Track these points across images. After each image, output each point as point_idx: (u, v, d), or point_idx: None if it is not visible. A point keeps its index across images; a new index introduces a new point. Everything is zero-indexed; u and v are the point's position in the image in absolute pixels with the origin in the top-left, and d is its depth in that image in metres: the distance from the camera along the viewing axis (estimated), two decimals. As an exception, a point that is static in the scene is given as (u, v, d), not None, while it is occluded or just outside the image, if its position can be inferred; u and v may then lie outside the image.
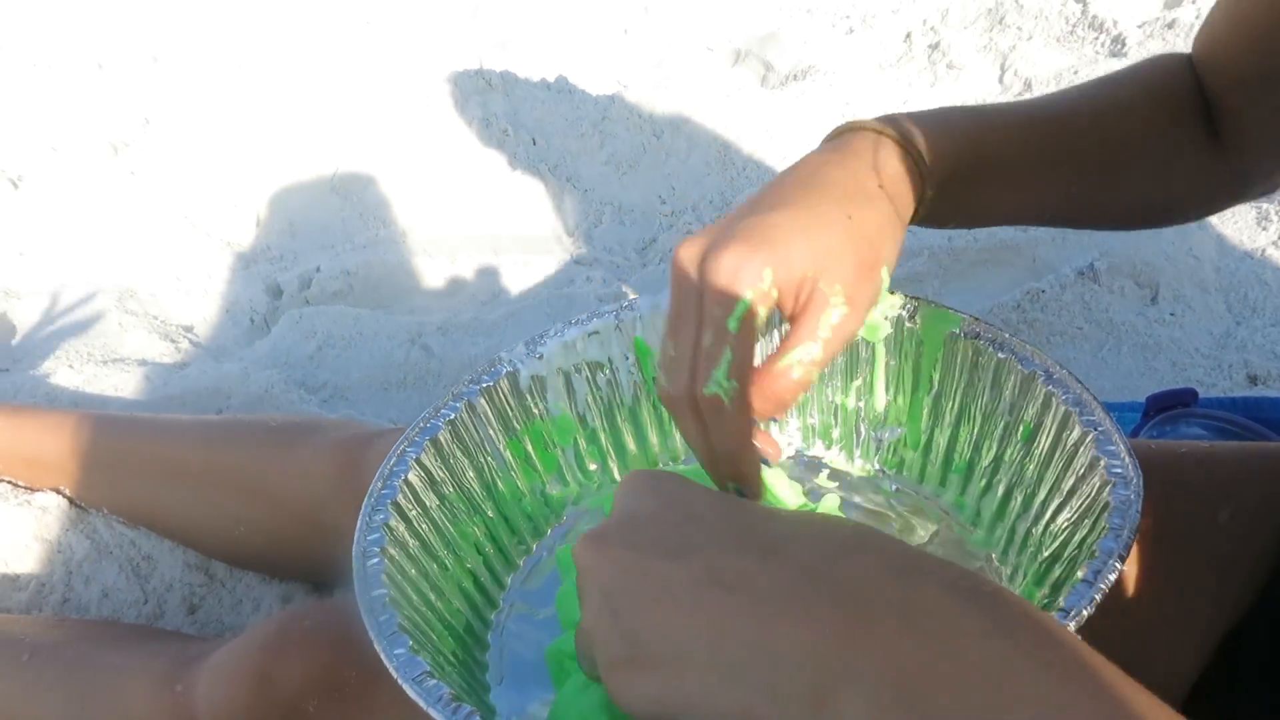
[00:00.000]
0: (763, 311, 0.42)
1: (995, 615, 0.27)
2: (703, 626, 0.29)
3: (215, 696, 0.53)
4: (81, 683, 0.60)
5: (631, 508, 0.34)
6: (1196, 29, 1.45)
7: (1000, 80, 1.45)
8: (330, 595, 0.76)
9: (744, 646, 0.28)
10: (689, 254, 0.43)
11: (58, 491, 0.80)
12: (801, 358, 0.43)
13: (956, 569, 0.29)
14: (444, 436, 0.51)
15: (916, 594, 0.28)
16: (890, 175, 0.48)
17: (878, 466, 0.58)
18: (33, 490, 0.81)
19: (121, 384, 0.99)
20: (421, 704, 0.37)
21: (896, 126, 0.49)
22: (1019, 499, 0.51)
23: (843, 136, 0.50)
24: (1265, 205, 1.05)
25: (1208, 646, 0.48)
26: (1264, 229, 1.02)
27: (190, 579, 0.77)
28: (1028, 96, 1.37)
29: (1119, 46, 1.46)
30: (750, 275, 0.41)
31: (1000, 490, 0.52)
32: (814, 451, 0.60)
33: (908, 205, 0.48)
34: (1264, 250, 1.01)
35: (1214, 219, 1.05)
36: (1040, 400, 0.50)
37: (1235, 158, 0.57)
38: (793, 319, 0.44)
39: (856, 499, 0.57)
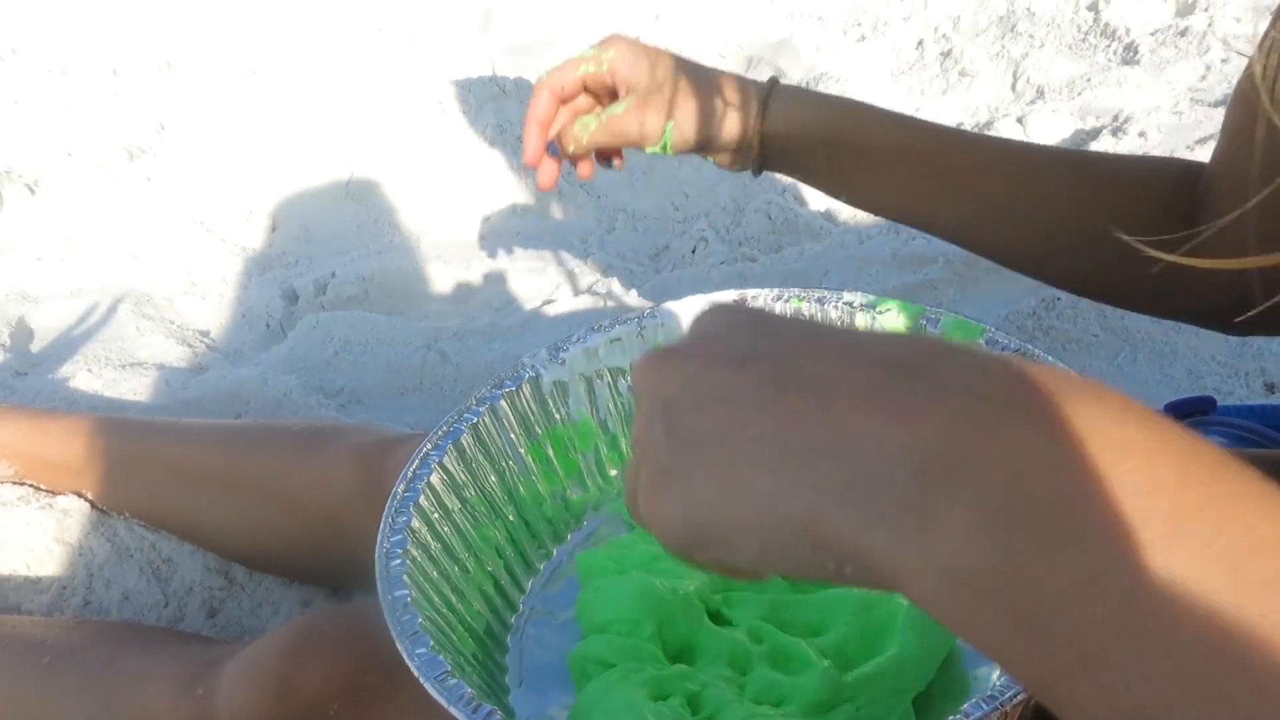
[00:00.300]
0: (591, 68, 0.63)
1: (1147, 428, 0.23)
2: (769, 425, 0.25)
3: (236, 700, 0.54)
4: (102, 686, 0.61)
5: (704, 328, 0.31)
6: (1208, 38, 1.44)
7: (1013, 88, 1.45)
8: (349, 599, 0.76)
9: (817, 446, 0.24)
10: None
11: (79, 495, 0.81)
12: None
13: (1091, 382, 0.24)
14: (467, 440, 0.51)
15: (1040, 395, 0.23)
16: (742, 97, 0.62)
17: None
18: (54, 493, 0.81)
19: (140, 388, 1.00)
20: (443, 703, 0.37)
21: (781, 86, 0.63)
22: None
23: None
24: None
25: None
26: (1280, 237, 1.02)
27: (210, 582, 0.77)
28: (1040, 104, 1.37)
29: (1131, 54, 1.46)
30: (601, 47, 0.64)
31: None
32: None
33: (741, 112, 0.62)
34: (1280, 258, 1.00)
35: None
36: None
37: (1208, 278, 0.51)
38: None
39: None
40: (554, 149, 0.66)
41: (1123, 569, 0.21)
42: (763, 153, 0.63)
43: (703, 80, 0.63)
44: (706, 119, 0.62)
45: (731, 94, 0.62)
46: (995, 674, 0.42)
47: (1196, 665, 0.20)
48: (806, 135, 0.62)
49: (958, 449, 0.23)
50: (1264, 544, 0.21)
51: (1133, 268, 0.51)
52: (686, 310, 0.59)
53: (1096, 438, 0.22)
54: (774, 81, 0.63)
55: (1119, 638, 0.21)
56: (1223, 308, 0.54)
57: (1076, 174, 0.59)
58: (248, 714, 0.53)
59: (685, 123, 0.62)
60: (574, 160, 0.69)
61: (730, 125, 0.62)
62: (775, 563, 0.26)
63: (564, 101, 0.66)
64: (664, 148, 0.63)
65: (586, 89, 0.66)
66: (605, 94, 0.66)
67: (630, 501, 0.31)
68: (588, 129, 0.63)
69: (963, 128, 1.35)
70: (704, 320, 0.31)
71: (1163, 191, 0.57)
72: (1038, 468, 0.22)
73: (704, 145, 0.64)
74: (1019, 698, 0.36)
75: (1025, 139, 1.31)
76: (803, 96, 0.63)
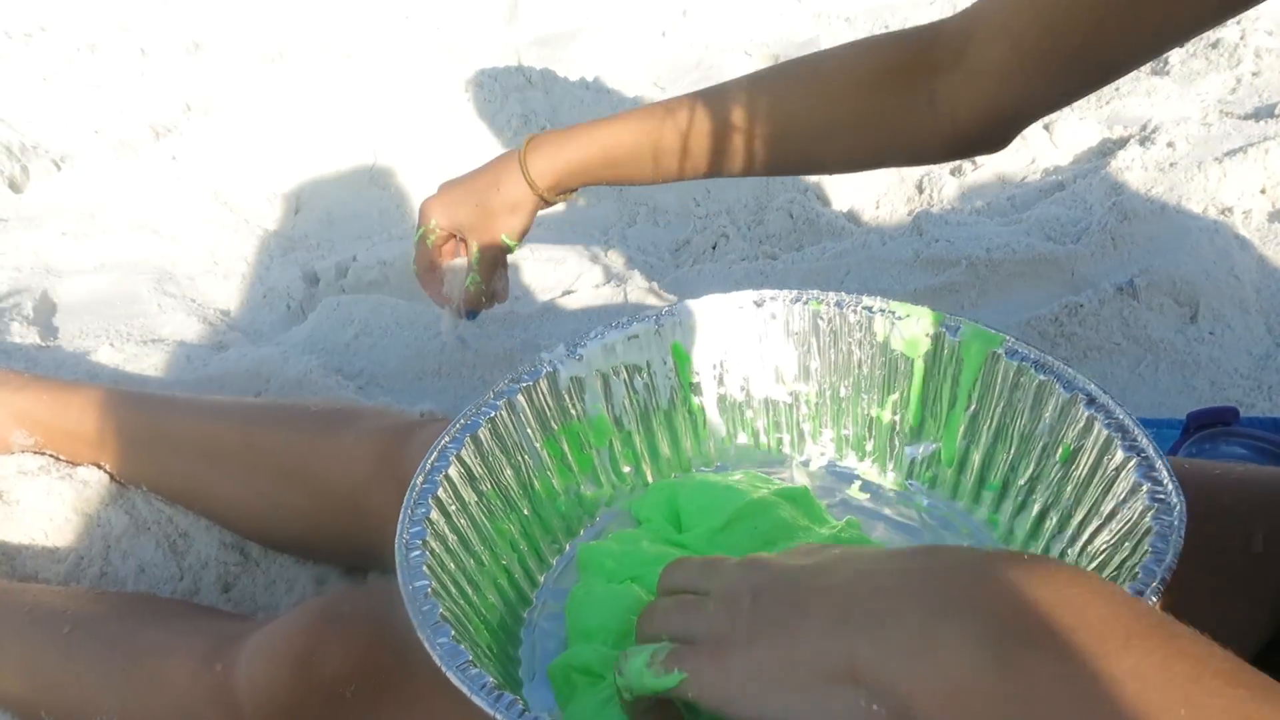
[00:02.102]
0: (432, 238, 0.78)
1: (1095, 586, 0.30)
2: (828, 594, 0.34)
3: (256, 677, 0.54)
4: (122, 658, 0.61)
5: (790, 552, 0.39)
6: (1240, 50, 1.43)
7: (1041, 93, 1.44)
8: (364, 579, 0.77)
9: (859, 596, 0.33)
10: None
11: (98, 466, 0.82)
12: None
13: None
14: (484, 434, 0.51)
15: (1031, 565, 0.31)
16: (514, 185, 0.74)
17: (910, 481, 0.58)
18: (74, 464, 0.82)
19: (161, 364, 1.01)
20: (465, 691, 0.37)
21: (536, 145, 0.73)
22: (1054, 519, 0.51)
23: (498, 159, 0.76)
24: (1308, 228, 1.04)
25: None
26: (1306, 252, 1.01)
27: (226, 558, 0.78)
28: (1067, 112, 1.36)
29: (1161, 65, 1.45)
30: (429, 219, 0.77)
31: (1035, 510, 0.52)
32: (846, 463, 0.60)
33: (528, 205, 0.75)
34: (1306, 273, 1.00)
35: (1255, 240, 1.04)
36: (1081, 424, 0.50)
37: (950, 115, 0.61)
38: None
39: (887, 511, 0.57)
40: (470, 315, 0.82)
41: (1083, 671, 0.27)
42: (563, 193, 0.76)
43: (488, 186, 0.76)
44: (516, 212, 0.76)
45: (507, 178, 0.75)
46: None
47: None
48: (581, 172, 0.73)
49: (958, 591, 0.31)
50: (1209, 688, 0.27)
51: (902, 136, 0.64)
52: (704, 309, 0.59)
53: (1072, 585, 0.30)
54: (527, 142, 0.74)
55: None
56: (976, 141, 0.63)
57: (812, 86, 0.65)
58: (266, 691, 0.53)
59: (510, 224, 0.76)
60: (484, 304, 0.82)
61: (524, 201, 0.75)
62: (816, 709, 0.32)
63: (434, 268, 0.80)
64: (513, 248, 0.78)
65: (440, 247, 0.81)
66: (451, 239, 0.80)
67: (663, 632, 0.38)
68: (476, 283, 0.79)
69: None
70: (791, 554, 0.40)
71: (899, 58, 0.63)
72: (1018, 609, 0.29)
73: (528, 225, 0.78)
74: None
75: (1052, 146, 1.30)
76: (552, 149, 0.73)
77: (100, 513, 0.80)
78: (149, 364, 1.01)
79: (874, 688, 0.30)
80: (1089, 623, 0.28)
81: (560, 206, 1.33)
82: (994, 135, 0.63)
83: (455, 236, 0.79)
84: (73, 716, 0.61)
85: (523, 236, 0.78)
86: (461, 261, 0.80)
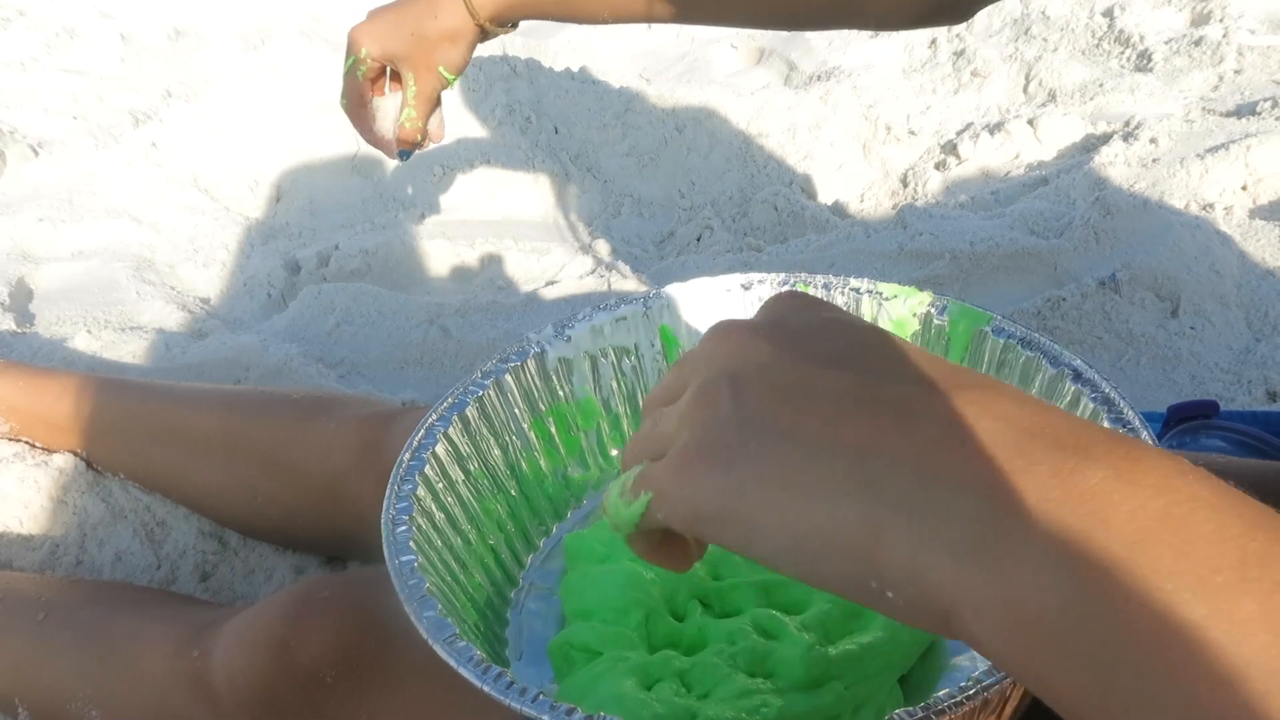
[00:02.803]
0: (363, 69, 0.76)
1: (1213, 486, 0.23)
2: (847, 434, 0.26)
3: (233, 663, 0.53)
4: (98, 644, 0.60)
5: (780, 313, 0.31)
6: (1223, 48, 1.44)
7: (1024, 90, 1.45)
8: (344, 569, 0.76)
9: (894, 465, 0.25)
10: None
11: (75, 454, 0.81)
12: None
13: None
14: (471, 413, 0.51)
15: (1116, 449, 0.24)
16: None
17: None
18: (50, 451, 0.81)
19: (139, 351, 1.00)
20: (453, 663, 0.37)
21: None
22: None
23: None
24: (1288, 224, 1.05)
25: None
26: (1287, 248, 1.02)
27: (204, 546, 0.77)
28: (1051, 107, 1.37)
29: (1145, 61, 1.46)
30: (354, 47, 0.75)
31: None
32: None
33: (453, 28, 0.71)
34: (1286, 269, 1.01)
35: (1236, 236, 1.05)
36: (1068, 398, 0.50)
37: None
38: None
39: None
40: (404, 155, 0.81)
41: (1192, 612, 0.21)
42: (504, 24, 0.74)
43: (423, 13, 0.73)
44: (456, 42, 0.73)
45: (445, 5, 0.72)
46: (980, 664, 0.41)
47: (1262, 701, 0.20)
48: (521, 8, 0.73)
49: (1037, 493, 0.23)
50: None
51: None
52: (692, 292, 0.59)
53: (1169, 492, 0.23)
54: None
55: (1184, 678, 0.21)
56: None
57: None
58: (243, 677, 0.53)
59: (449, 56, 0.73)
60: (418, 143, 0.80)
61: (463, 30, 0.72)
62: (804, 565, 0.26)
63: (365, 103, 0.79)
64: (451, 82, 0.76)
65: (373, 81, 0.79)
66: (382, 75, 0.79)
67: (640, 458, 0.30)
68: (411, 119, 0.76)
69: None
70: (785, 306, 0.31)
71: None
72: (1114, 517, 0.22)
73: (467, 58, 0.75)
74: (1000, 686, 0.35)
75: (1036, 141, 1.31)
76: None
77: (76, 500, 0.79)
78: (126, 351, 1.00)
79: (897, 582, 0.24)
80: (1197, 543, 0.22)
81: (549, 202, 1.32)
82: (961, 3, 0.64)
83: (385, 70, 0.76)
84: (47, 704, 0.61)
85: (460, 71, 0.75)
86: (394, 97, 0.77)
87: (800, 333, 0.29)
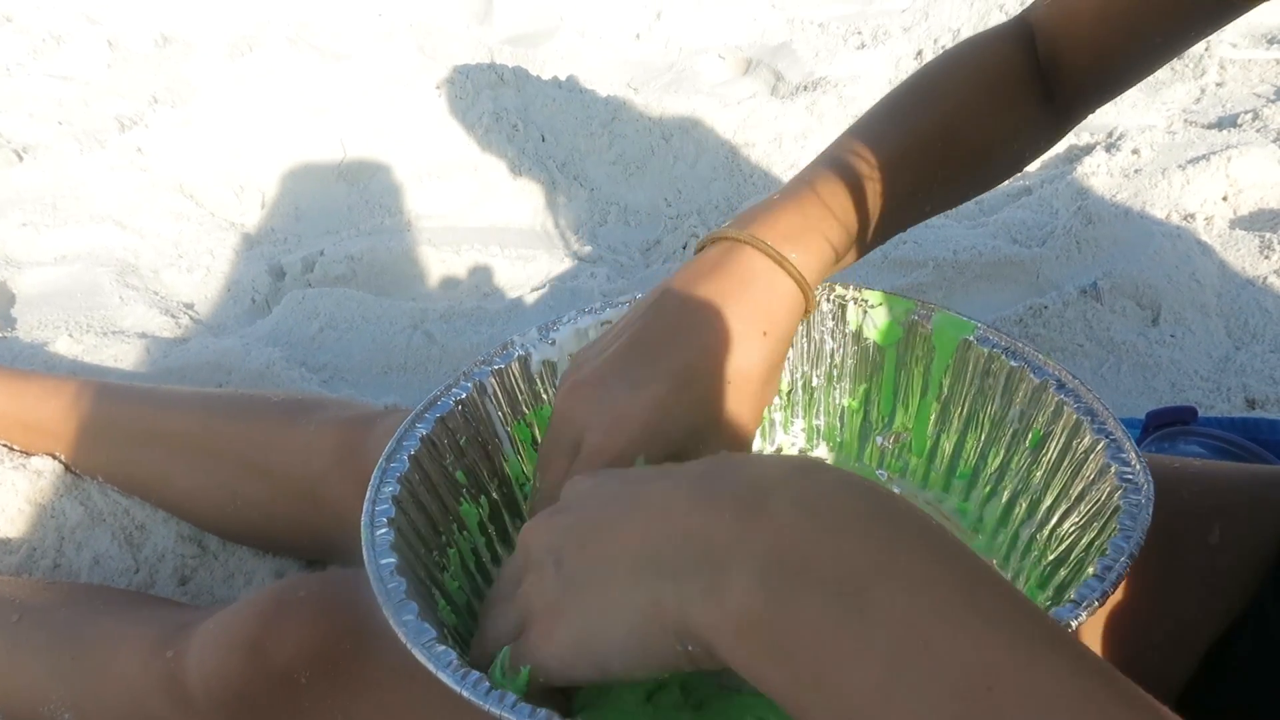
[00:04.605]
0: None
1: (886, 507, 0.31)
2: (629, 542, 0.34)
3: (206, 664, 0.53)
4: (72, 646, 0.60)
5: (570, 492, 0.39)
6: (1205, 61, 1.45)
7: (1009, 101, 1.46)
8: (324, 570, 0.75)
9: (658, 546, 0.33)
10: (570, 407, 0.47)
11: (53, 456, 0.80)
12: None
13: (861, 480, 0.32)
14: (453, 415, 0.51)
15: (796, 483, 0.32)
16: (777, 311, 0.49)
17: (880, 470, 0.58)
18: (28, 454, 0.80)
19: (120, 355, 0.99)
20: (431, 668, 0.36)
21: (773, 236, 0.50)
22: (1023, 505, 0.51)
23: (728, 258, 0.50)
24: (1268, 235, 1.06)
25: (1195, 653, 0.48)
26: (1266, 257, 1.03)
27: (183, 550, 0.76)
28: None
29: (1127, 74, 1.47)
30: (621, 462, 0.45)
31: (1005, 497, 0.52)
32: (817, 453, 0.60)
33: (789, 333, 0.50)
34: (1265, 278, 1.01)
35: (1217, 246, 1.06)
36: (1051, 408, 0.50)
37: (1064, 112, 0.61)
38: None
39: None
40: None
41: (838, 604, 0.29)
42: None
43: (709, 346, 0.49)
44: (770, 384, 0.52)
45: (754, 314, 0.50)
46: None
47: (886, 679, 0.27)
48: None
49: (741, 531, 0.31)
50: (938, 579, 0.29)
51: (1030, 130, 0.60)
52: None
53: (840, 510, 0.31)
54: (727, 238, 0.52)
55: (833, 658, 0.28)
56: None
57: (978, 95, 0.59)
58: (217, 678, 0.52)
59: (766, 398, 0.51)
60: None
61: (781, 345, 0.51)
62: (641, 662, 0.33)
63: None
64: None
65: None
66: None
67: (491, 643, 0.39)
68: None
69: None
70: (572, 486, 0.39)
71: (1010, 61, 0.59)
72: (791, 540, 0.30)
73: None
74: None
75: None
76: (807, 241, 0.51)
77: (54, 503, 0.78)
78: (108, 355, 1.00)
79: (681, 631, 0.31)
80: (846, 550, 0.29)
81: (535, 210, 1.33)
82: (1076, 121, 0.63)
83: None
84: (21, 706, 0.60)
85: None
86: None
87: (591, 493, 0.38)
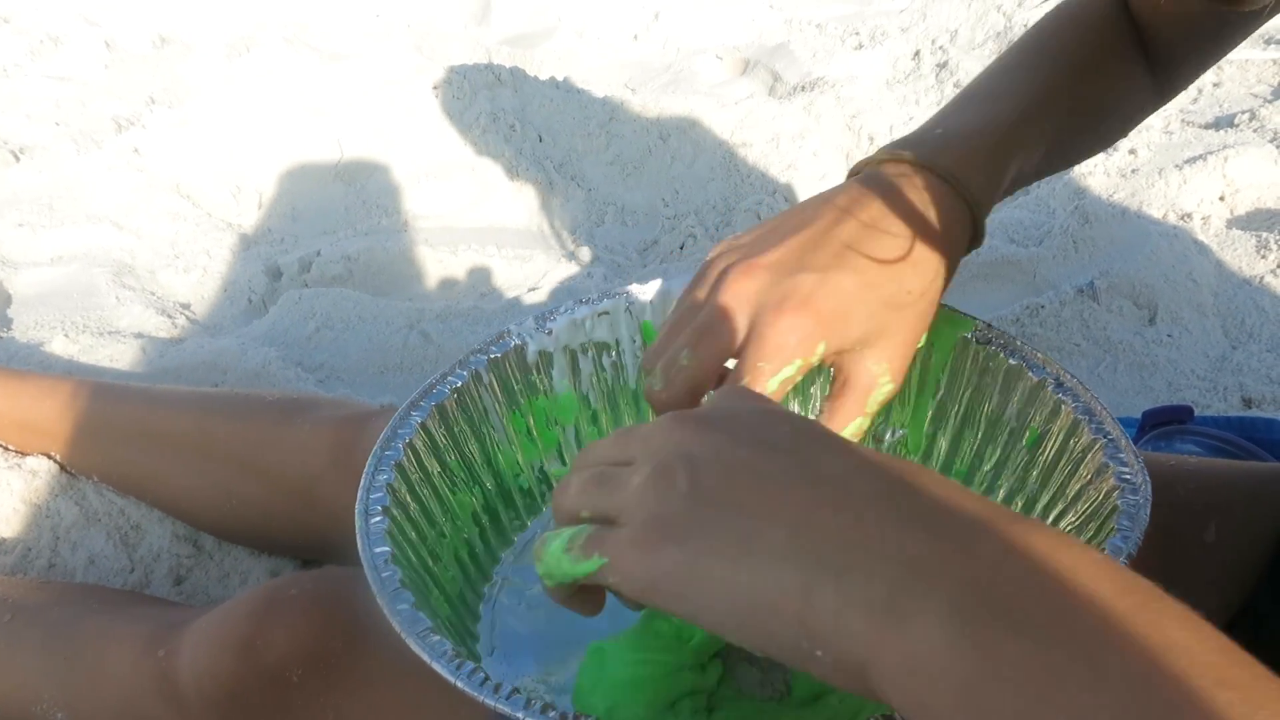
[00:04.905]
0: (798, 379, 0.45)
1: (1091, 556, 0.27)
2: (789, 508, 0.29)
3: (199, 662, 0.53)
4: (64, 645, 0.60)
5: (728, 405, 0.34)
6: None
7: (1006, 102, 1.46)
8: (317, 569, 0.75)
9: (828, 534, 0.28)
10: (744, 289, 0.44)
11: (48, 456, 0.80)
12: (850, 432, 0.47)
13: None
14: (449, 404, 0.51)
15: (1018, 528, 0.27)
16: (947, 226, 0.48)
17: None
18: (23, 454, 0.80)
19: (116, 355, 0.99)
20: (425, 658, 0.36)
21: (945, 162, 0.48)
22: (1020, 505, 0.51)
23: (897, 176, 0.48)
24: (1265, 234, 1.06)
25: None
26: (1263, 257, 1.03)
27: (178, 550, 0.76)
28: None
29: (1124, 75, 1.47)
30: (805, 348, 0.44)
31: (1001, 496, 0.52)
32: None
33: (960, 252, 0.49)
34: (1262, 278, 1.01)
35: (1214, 245, 1.06)
36: (1049, 407, 0.49)
37: (1161, 78, 0.60)
38: (837, 383, 0.47)
39: None
40: None
41: (1058, 654, 0.24)
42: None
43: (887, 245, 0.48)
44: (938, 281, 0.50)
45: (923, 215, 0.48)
46: None
47: None
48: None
49: (944, 560, 0.27)
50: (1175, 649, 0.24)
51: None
52: (677, 289, 0.59)
53: (1053, 560, 0.27)
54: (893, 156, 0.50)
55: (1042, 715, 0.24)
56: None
57: (1096, 52, 0.58)
58: (209, 676, 0.52)
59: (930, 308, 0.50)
60: None
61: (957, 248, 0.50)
62: (746, 630, 0.29)
63: None
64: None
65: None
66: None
67: (566, 517, 0.33)
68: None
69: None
70: (732, 399, 0.35)
71: (1118, 23, 0.59)
72: (1005, 578, 0.26)
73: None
74: None
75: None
76: (980, 155, 0.51)
77: (49, 503, 0.78)
78: (104, 355, 0.99)
79: (824, 640, 0.27)
80: (1074, 602, 0.25)
81: (532, 210, 1.33)
82: (1176, 90, 0.63)
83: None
84: (13, 705, 0.60)
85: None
86: None
87: (748, 421, 0.32)
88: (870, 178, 0.49)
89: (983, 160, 0.50)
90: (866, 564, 0.27)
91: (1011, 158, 0.51)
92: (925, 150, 0.49)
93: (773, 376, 0.43)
